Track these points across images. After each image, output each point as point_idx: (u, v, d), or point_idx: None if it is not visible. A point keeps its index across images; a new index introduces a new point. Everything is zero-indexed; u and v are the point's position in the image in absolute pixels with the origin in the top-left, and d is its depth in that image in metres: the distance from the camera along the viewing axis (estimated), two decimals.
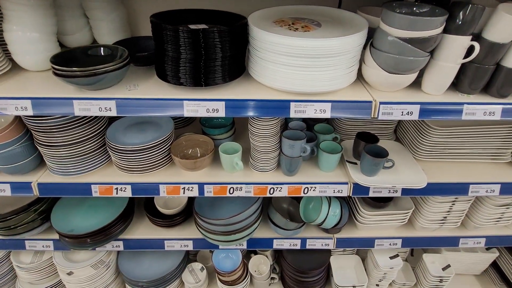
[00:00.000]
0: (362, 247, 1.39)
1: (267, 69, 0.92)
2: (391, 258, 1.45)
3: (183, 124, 1.40)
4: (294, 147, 1.07)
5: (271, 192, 1.14)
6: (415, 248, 1.67)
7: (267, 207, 1.38)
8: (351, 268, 1.54)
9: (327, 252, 1.44)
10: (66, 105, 0.90)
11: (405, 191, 1.15)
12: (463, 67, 0.93)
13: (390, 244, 1.38)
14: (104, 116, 1.14)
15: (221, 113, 0.91)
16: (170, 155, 1.15)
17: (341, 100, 0.92)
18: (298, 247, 1.36)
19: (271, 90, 0.96)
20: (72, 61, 0.96)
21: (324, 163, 1.16)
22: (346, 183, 1.14)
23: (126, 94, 0.93)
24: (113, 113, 0.91)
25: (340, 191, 1.15)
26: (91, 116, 1.06)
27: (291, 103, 0.91)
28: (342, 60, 0.88)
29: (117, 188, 1.11)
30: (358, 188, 1.14)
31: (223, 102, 0.90)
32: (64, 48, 1.16)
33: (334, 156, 1.13)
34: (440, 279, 1.45)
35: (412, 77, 0.93)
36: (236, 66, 0.96)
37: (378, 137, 1.17)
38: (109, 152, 1.11)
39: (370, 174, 1.13)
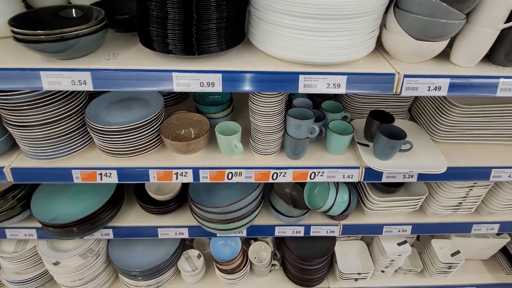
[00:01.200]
0: (370, 234, 1.30)
1: (272, 35, 0.77)
2: (399, 244, 1.37)
3: (175, 101, 1.26)
4: (301, 127, 0.94)
5: (274, 178, 1.02)
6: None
7: (268, 192, 1.27)
8: (355, 254, 1.47)
9: (332, 239, 1.35)
10: (33, 78, 0.76)
11: (422, 176, 1.04)
12: (500, 34, 0.79)
13: (399, 231, 1.29)
14: (83, 92, 1.00)
15: (217, 88, 0.77)
16: (160, 137, 1.02)
17: (359, 72, 0.78)
18: (302, 234, 1.27)
19: (276, 60, 0.81)
20: (38, 24, 0.80)
21: (333, 145, 1.04)
22: (357, 168, 1.03)
23: (104, 64, 0.78)
24: (89, 87, 0.77)
25: (351, 176, 1.04)
26: (66, 91, 0.91)
27: (300, 76, 0.77)
28: (362, 23, 0.73)
29: (101, 174, 0.99)
30: (371, 173, 1.03)
31: (220, 75, 0.76)
32: None
33: (345, 137, 1.00)
34: (449, 266, 1.39)
35: (443, 45, 0.79)
36: (235, 30, 0.81)
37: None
38: (90, 133, 0.97)
39: (384, 158, 1.01)
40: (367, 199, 1.20)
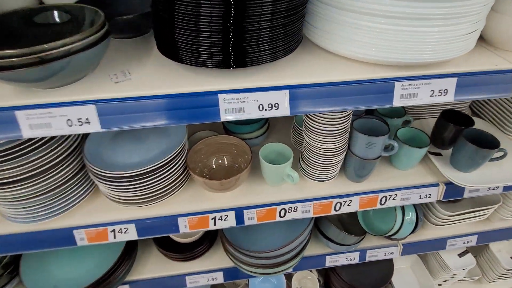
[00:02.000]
0: (432, 251, 1.13)
1: (347, 26, 0.54)
2: (460, 256, 1.21)
3: None
4: (374, 146, 0.73)
5: (337, 209, 0.81)
6: None
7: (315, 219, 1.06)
8: (408, 269, 1.30)
9: (389, 262, 1.17)
10: (5, 122, 0.50)
11: (509, 188, 0.86)
12: None
13: (463, 243, 1.12)
14: None
15: (284, 110, 0.54)
16: (187, 171, 0.78)
17: (472, 72, 0.57)
18: (357, 261, 1.08)
19: (353, 63, 0.59)
20: (5, 38, 0.53)
21: (403, 160, 0.84)
22: (436, 185, 0.83)
23: (114, 90, 0.53)
24: (95, 127, 0.52)
25: (428, 196, 0.84)
26: None
27: (396, 83, 0.55)
28: (472, 8, 0.52)
29: (114, 231, 0.74)
30: (451, 190, 0.84)
31: (286, 92, 0.53)
32: None
33: (421, 150, 0.80)
34: None
35: None
36: (295, 29, 0.57)
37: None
38: (93, 179, 0.72)
39: (467, 169, 0.82)
40: (434, 214, 1.02)
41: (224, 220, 0.78)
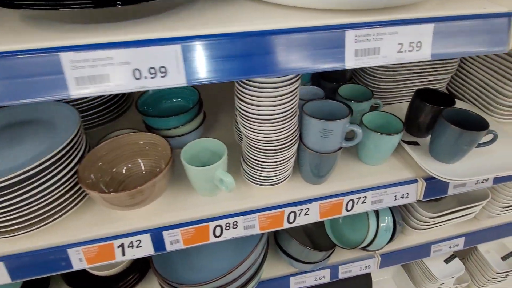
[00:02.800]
0: (415, 259, 0.96)
1: None
2: (446, 261, 1.05)
3: (108, 115, 0.79)
4: (331, 134, 0.54)
5: (291, 220, 0.62)
6: None
7: (274, 233, 0.87)
8: (389, 280, 1.13)
9: (367, 278, 0.99)
10: None
11: (500, 179, 0.71)
12: None
13: (450, 247, 0.96)
14: None
15: (176, 78, 0.34)
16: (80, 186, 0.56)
17: (453, 16, 0.40)
18: (328, 279, 0.89)
19: (290, 11, 0.40)
20: None
21: (372, 152, 0.66)
22: (414, 181, 0.66)
23: None
24: None
25: (405, 196, 0.67)
26: None
27: (347, 32, 0.37)
28: None
29: None
30: (434, 187, 0.67)
31: (178, 47, 0.33)
32: None
33: (392, 138, 0.63)
34: (506, 275, 1.10)
35: None
36: None
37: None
38: None
39: (450, 159, 0.66)
40: (414, 217, 0.85)
41: (137, 247, 0.56)
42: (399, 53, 0.39)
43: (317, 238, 0.90)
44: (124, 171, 0.62)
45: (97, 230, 0.56)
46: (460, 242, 0.97)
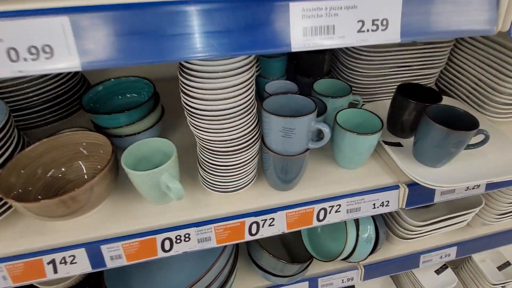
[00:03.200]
0: (403, 271, 0.88)
1: None
2: (437, 272, 0.98)
3: (56, 112, 0.70)
4: (294, 132, 0.46)
5: (254, 232, 0.54)
6: None
7: (246, 243, 0.79)
8: None
9: None
10: None
11: (493, 185, 0.63)
12: None
13: (440, 257, 0.89)
14: None
15: (65, 60, 0.27)
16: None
17: None
18: None
19: None
20: None
21: (348, 153, 0.58)
22: (396, 187, 0.58)
23: None
24: None
25: (385, 203, 0.59)
26: None
27: (291, 4, 0.29)
28: None
29: None
30: (417, 193, 0.59)
31: (65, 19, 0.26)
32: None
33: (370, 138, 0.55)
34: (502, 286, 1.02)
35: None
36: None
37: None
38: None
39: (437, 162, 0.58)
40: (400, 225, 0.77)
41: (71, 263, 0.49)
42: (360, 33, 0.31)
43: (294, 247, 0.83)
44: (60, 176, 0.54)
45: (24, 244, 0.48)
46: (452, 252, 0.89)
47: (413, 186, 0.58)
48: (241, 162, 0.50)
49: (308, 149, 0.50)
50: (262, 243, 0.71)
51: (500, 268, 1.06)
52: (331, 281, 0.82)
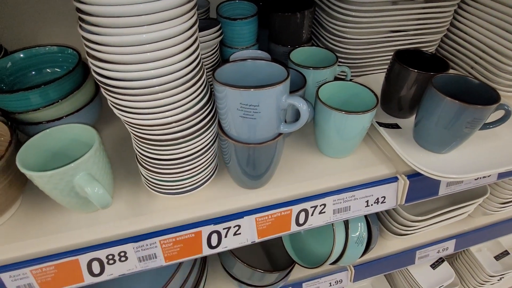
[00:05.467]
0: (398, 268, 0.79)
1: None
2: (433, 267, 0.89)
3: None
4: (259, 111, 0.33)
5: (214, 244, 0.42)
6: None
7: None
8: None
9: None
10: None
11: (506, 173, 0.52)
12: None
13: (438, 252, 0.79)
14: None
15: None
16: None
17: None
18: None
19: None
20: None
21: (334, 139, 0.46)
22: (394, 180, 0.46)
23: None
24: None
25: (381, 200, 0.47)
26: None
27: None
28: None
29: None
30: (419, 185, 0.48)
31: None
32: None
33: (363, 118, 0.42)
34: (500, 277, 0.94)
35: None
36: None
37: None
38: None
39: (444, 147, 0.46)
40: (395, 220, 0.67)
41: None
42: None
43: (275, 249, 0.71)
44: None
45: None
46: (450, 245, 0.80)
47: (414, 177, 0.47)
48: (190, 154, 0.36)
49: (280, 134, 0.37)
50: (235, 250, 0.59)
51: (498, 257, 0.98)
52: (317, 285, 0.71)
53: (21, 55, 0.48)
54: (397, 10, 0.58)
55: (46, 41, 0.51)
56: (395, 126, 0.52)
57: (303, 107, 0.33)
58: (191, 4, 0.29)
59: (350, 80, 0.52)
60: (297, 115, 0.39)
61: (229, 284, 0.67)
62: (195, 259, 0.57)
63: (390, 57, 0.57)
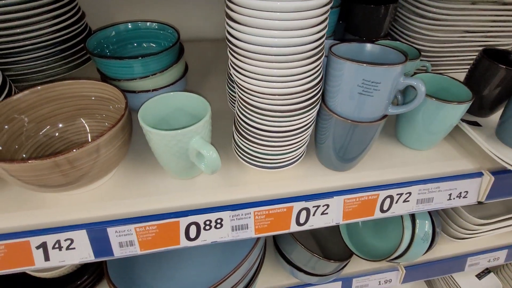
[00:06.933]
0: (447, 274, 0.77)
1: None
2: (479, 277, 0.87)
3: (60, 60, 0.58)
4: (378, 89, 0.34)
5: (302, 221, 0.43)
6: None
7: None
8: None
9: None
10: None
11: None
12: None
13: (488, 261, 0.78)
14: None
15: None
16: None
17: None
18: None
19: None
20: None
21: (422, 129, 0.46)
22: (478, 175, 0.46)
23: None
24: None
25: (463, 194, 0.47)
26: None
27: None
28: None
29: None
30: (504, 183, 0.47)
31: None
32: None
33: (459, 108, 0.43)
34: None
35: None
36: None
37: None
38: None
39: None
40: (456, 223, 0.66)
41: (67, 249, 0.37)
42: None
43: (328, 243, 0.71)
44: (57, 135, 0.42)
45: (6, 221, 0.37)
46: (502, 255, 0.78)
47: (499, 174, 0.46)
48: (298, 128, 0.37)
49: (385, 116, 0.38)
50: (294, 235, 0.59)
51: None
52: (367, 282, 0.71)
53: (127, 26, 0.50)
54: (476, 10, 0.58)
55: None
56: (476, 124, 0.52)
57: (422, 88, 0.34)
58: None
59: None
60: (396, 98, 0.39)
61: (278, 268, 0.68)
62: (256, 240, 0.58)
63: (463, 57, 0.57)
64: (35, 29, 0.51)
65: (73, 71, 0.58)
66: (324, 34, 0.33)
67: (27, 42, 0.52)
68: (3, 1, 0.46)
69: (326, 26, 0.32)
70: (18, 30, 0.50)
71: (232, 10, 0.30)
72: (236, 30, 0.31)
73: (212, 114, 0.51)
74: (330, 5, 0.31)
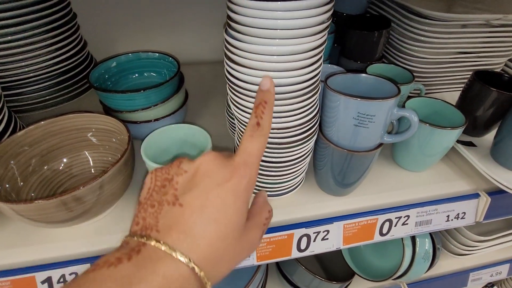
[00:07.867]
0: None
1: None
2: None
3: (61, 91, 0.59)
4: (373, 121, 0.35)
5: (303, 247, 0.43)
6: None
7: None
8: None
9: None
10: None
11: None
12: None
13: (491, 275, 0.78)
14: None
15: None
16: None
17: None
18: None
19: None
20: None
21: (418, 152, 0.47)
22: (475, 196, 0.47)
23: None
24: None
25: (461, 216, 0.48)
26: None
27: None
28: None
29: None
30: (500, 204, 0.48)
31: None
32: None
33: (452, 133, 0.44)
34: None
35: None
36: None
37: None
38: None
39: None
40: (456, 240, 0.66)
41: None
42: None
43: (330, 264, 0.72)
44: (61, 169, 0.43)
45: (11, 257, 0.37)
46: (504, 269, 0.78)
47: (495, 194, 0.47)
48: (296, 158, 0.38)
49: (381, 145, 0.39)
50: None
51: None
52: None
53: (129, 56, 0.52)
54: (466, 32, 0.60)
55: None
56: (470, 144, 0.53)
57: (415, 119, 0.35)
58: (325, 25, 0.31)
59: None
60: (391, 128, 0.40)
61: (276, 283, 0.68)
62: (258, 266, 0.58)
63: (456, 77, 0.58)
64: (40, 61, 0.53)
65: (75, 99, 0.60)
66: (318, 73, 0.34)
67: (31, 74, 0.53)
68: (6, 31, 0.48)
69: (320, 65, 0.34)
70: (23, 64, 0.51)
71: (232, 53, 0.32)
72: (235, 71, 0.32)
73: (212, 138, 0.52)
74: (324, 46, 0.33)
